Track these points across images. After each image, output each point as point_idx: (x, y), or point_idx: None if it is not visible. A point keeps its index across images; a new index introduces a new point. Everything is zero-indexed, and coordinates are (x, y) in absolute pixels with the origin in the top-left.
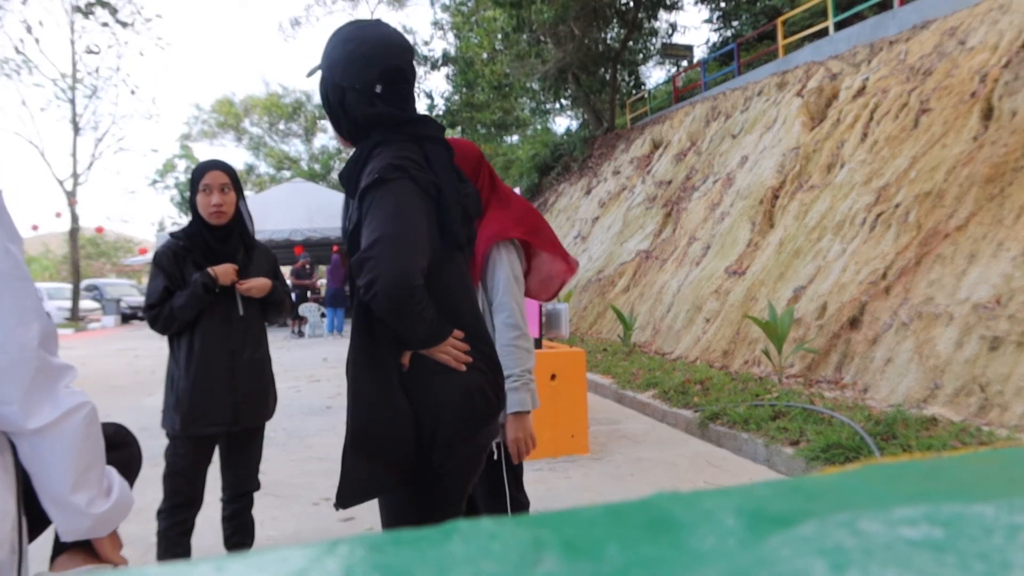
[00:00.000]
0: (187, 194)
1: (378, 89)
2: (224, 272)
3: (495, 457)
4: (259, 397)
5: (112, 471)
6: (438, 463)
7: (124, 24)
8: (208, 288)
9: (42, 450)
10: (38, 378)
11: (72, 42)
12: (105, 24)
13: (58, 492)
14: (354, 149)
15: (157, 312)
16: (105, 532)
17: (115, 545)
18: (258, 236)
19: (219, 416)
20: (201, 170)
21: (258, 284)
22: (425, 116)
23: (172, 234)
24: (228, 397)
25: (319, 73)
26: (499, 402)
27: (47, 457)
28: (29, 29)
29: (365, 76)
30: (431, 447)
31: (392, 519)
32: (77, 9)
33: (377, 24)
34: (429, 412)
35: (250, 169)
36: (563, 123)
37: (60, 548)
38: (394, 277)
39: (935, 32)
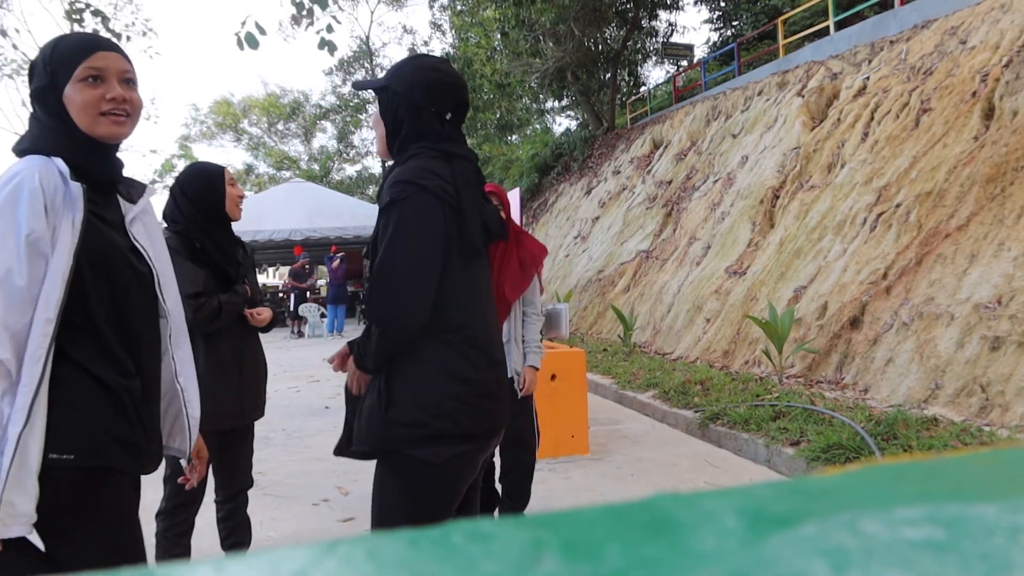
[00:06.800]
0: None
1: (448, 116)
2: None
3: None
4: (261, 392)
5: None
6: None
7: (117, 35)
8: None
9: None
10: None
11: None
12: (95, 31)
13: None
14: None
15: (205, 302)
16: None
17: None
18: (257, 237)
19: (230, 411)
20: (218, 172)
21: (266, 316)
22: (463, 143)
23: (178, 232)
24: (236, 392)
25: (377, 85)
26: (481, 413)
27: None
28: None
29: (444, 102)
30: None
31: (383, 487)
32: (66, 15)
33: (448, 63)
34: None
35: (249, 169)
36: (563, 123)
37: None
38: (407, 321)
39: (936, 31)
